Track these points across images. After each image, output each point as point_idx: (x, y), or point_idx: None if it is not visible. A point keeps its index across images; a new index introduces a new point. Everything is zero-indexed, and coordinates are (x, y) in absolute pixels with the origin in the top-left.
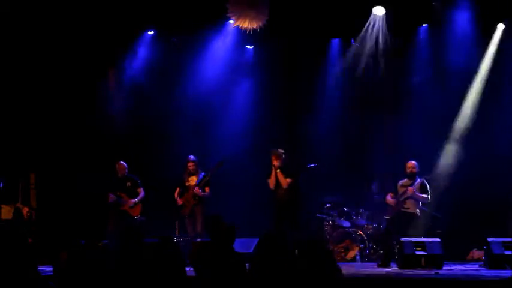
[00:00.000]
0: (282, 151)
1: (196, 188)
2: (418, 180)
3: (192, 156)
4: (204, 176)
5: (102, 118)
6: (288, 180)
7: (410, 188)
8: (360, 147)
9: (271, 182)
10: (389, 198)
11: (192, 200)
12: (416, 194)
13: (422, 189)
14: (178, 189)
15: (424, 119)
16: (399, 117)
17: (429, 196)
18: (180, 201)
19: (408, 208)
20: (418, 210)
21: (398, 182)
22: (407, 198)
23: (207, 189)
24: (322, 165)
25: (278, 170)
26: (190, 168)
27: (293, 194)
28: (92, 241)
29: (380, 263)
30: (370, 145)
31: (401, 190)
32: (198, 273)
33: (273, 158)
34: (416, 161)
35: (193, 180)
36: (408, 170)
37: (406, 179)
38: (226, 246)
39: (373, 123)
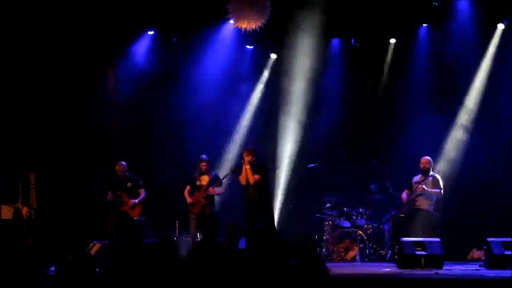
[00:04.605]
0: (253, 149)
1: (211, 188)
2: (431, 177)
3: (204, 156)
4: (215, 176)
5: (102, 118)
6: (256, 176)
7: (419, 185)
8: (360, 147)
9: (243, 178)
10: (404, 195)
11: (203, 200)
12: (427, 190)
13: (435, 183)
14: (188, 187)
15: (424, 119)
16: (399, 116)
17: (442, 190)
18: (190, 200)
19: (419, 205)
20: (430, 206)
21: (413, 178)
22: (418, 195)
23: (219, 189)
24: (322, 165)
25: (248, 166)
26: (203, 168)
27: (262, 191)
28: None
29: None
30: (370, 145)
31: (415, 187)
32: (198, 273)
33: (245, 153)
34: (429, 157)
35: (204, 179)
36: (421, 166)
37: (420, 175)
38: (232, 246)
39: (374, 123)
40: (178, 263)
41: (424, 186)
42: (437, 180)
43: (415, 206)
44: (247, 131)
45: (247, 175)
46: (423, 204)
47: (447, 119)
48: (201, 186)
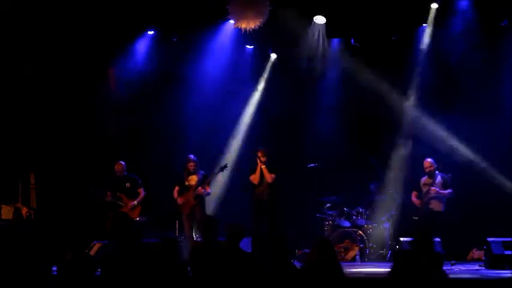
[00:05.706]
0: (266, 149)
1: (199, 188)
2: (439, 177)
3: (192, 156)
4: (204, 176)
5: (102, 118)
6: (273, 175)
7: (432, 188)
8: (360, 148)
9: (256, 178)
10: (414, 198)
11: (192, 200)
12: (440, 192)
13: (445, 184)
14: (177, 187)
15: (424, 118)
16: (399, 116)
17: (453, 190)
18: (179, 201)
19: (433, 207)
20: (442, 207)
21: (420, 179)
22: (432, 198)
23: (207, 188)
24: (321, 165)
25: (263, 166)
26: (191, 168)
27: (275, 191)
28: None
29: None
30: (369, 145)
31: (424, 189)
32: (196, 273)
33: (260, 154)
34: (431, 158)
35: (193, 179)
36: (426, 170)
37: (426, 177)
38: (233, 246)
39: (374, 122)
40: (181, 263)
41: (437, 188)
42: (447, 181)
43: (429, 208)
44: (247, 131)
45: (264, 174)
46: (437, 206)
47: (447, 119)
48: (189, 187)
